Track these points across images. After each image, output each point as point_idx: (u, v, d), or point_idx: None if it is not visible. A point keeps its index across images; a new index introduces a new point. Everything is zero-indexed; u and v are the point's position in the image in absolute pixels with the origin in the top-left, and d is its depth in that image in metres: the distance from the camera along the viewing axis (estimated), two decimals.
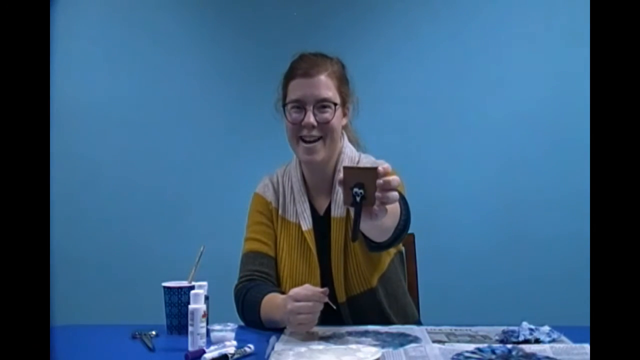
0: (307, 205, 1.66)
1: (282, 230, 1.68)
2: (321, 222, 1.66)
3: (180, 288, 1.54)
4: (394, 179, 1.20)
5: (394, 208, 1.36)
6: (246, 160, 2.81)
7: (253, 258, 1.66)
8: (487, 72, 2.80)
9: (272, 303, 1.52)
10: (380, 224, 1.30)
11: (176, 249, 2.39)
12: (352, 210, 1.23)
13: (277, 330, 1.48)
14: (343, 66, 1.67)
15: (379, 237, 1.42)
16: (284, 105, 1.62)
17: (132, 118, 2.92)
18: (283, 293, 1.53)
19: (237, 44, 2.91)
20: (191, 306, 1.37)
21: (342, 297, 1.60)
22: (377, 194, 1.20)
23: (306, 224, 1.65)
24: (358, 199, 1.19)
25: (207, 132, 2.91)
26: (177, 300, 1.53)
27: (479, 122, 2.79)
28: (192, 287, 1.49)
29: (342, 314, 1.60)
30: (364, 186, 1.19)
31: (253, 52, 2.87)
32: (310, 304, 1.37)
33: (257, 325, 1.56)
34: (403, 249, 1.79)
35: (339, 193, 1.62)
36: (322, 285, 1.56)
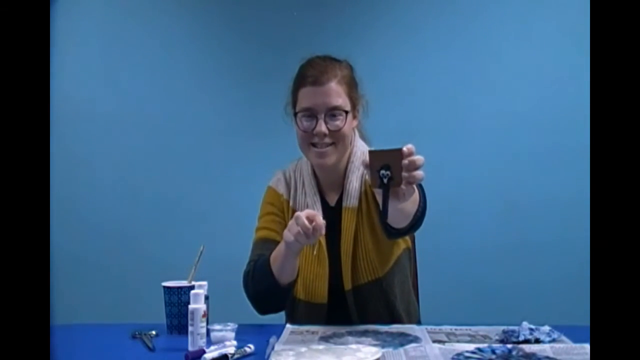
0: (317, 198, 1.69)
1: None
2: (332, 212, 1.68)
3: (180, 288, 1.54)
4: (418, 158, 1.24)
5: (414, 194, 1.38)
6: (247, 160, 2.82)
7: (262, 244, 1.68)
8: (488, 73, 2.80)
9: (277, 249, 1.55)
10: (403, 207, 1.34)
11: (176, 248, 2.39)
12: (378, 193, 1.26)
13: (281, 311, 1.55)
14: (352, 68, 1.68)
15: (400, 222, 1.44)
16: (295, 113, 1.63)
17: (133, 118, 2.92)
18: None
19: (239, 44, 2.90)
20: (191, 306, 1.37)
21: (348, 284, 1.63)
22: (404, 174, 1.23)
23: None
24: (385, 180, 1.22)
25: (208, 133, 2.91)
26: (177, 300, 1.53)
27: (480, 123, 2.79)
28: (192, 287, 1.49)
29: (347, 301, 1.63)
30: (390, 167, 1.22)
31: (255, 52, 2.87)
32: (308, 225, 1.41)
33: (270, 288, 1.56)
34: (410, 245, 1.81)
35: (352, 184, 1.66)
36: (331, 274, 1.63)
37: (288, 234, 1.45)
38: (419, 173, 1.24)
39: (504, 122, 2.78)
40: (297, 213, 1.44)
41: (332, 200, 1.71)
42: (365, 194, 1.66)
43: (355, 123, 1.69)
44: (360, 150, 1.70)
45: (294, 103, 1.65)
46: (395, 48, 2.84)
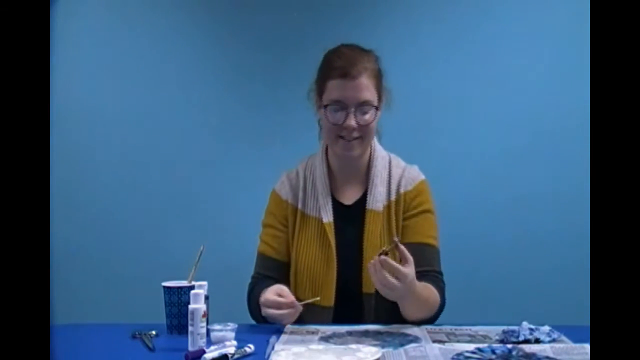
0: (329, 199, 1.68)
1: (301, 225, 1.69)
2: (348, 211, 1.68)
3: (180, 288, 1.54)
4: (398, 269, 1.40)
5: (432, 302, 1.57)
6: (248, 160, 2.81)
7: (261, 260, 1.72)
8: (488, 71, 2.79)
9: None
10: (415, 299, 1.49)
11: (176, 248, 2.38)
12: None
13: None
14: (378, 59, 1.67)
15: (412, 309, 1.53)
16: (325, 105, 1.62)
17: (133, 117, 2.91)
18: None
19: (240, 46, 2.87)
20: (191, 306, 1.37)
21: (370, 287, 1.58)
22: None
23: (327, 217, 1.66)
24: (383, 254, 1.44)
25: (209, 132, 2.91)
26: (177, 300, 1.53)
27: (480, 121, 2.78)
28: (192, 287, 1.49)
29: (364, 305, 1.61)
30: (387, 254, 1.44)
31: (255, 55, 2.85)
32: (281, 311, 1.48)
33: (262, 319, 1.59)
34: None
35: (377, 187, 1.67)
36: (341, 276, 1.62)
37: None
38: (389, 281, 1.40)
39: (504, 120, 2.77)
40: (261, 301, 1.51)
41: (349, 198, 1.70)
42: (396, 203, 1.66)
43: (379, 115, 1.67)
44: (381, 155, 1.71)
45: (321, 93, 1.63)
46: (399, 49, 2.83)
